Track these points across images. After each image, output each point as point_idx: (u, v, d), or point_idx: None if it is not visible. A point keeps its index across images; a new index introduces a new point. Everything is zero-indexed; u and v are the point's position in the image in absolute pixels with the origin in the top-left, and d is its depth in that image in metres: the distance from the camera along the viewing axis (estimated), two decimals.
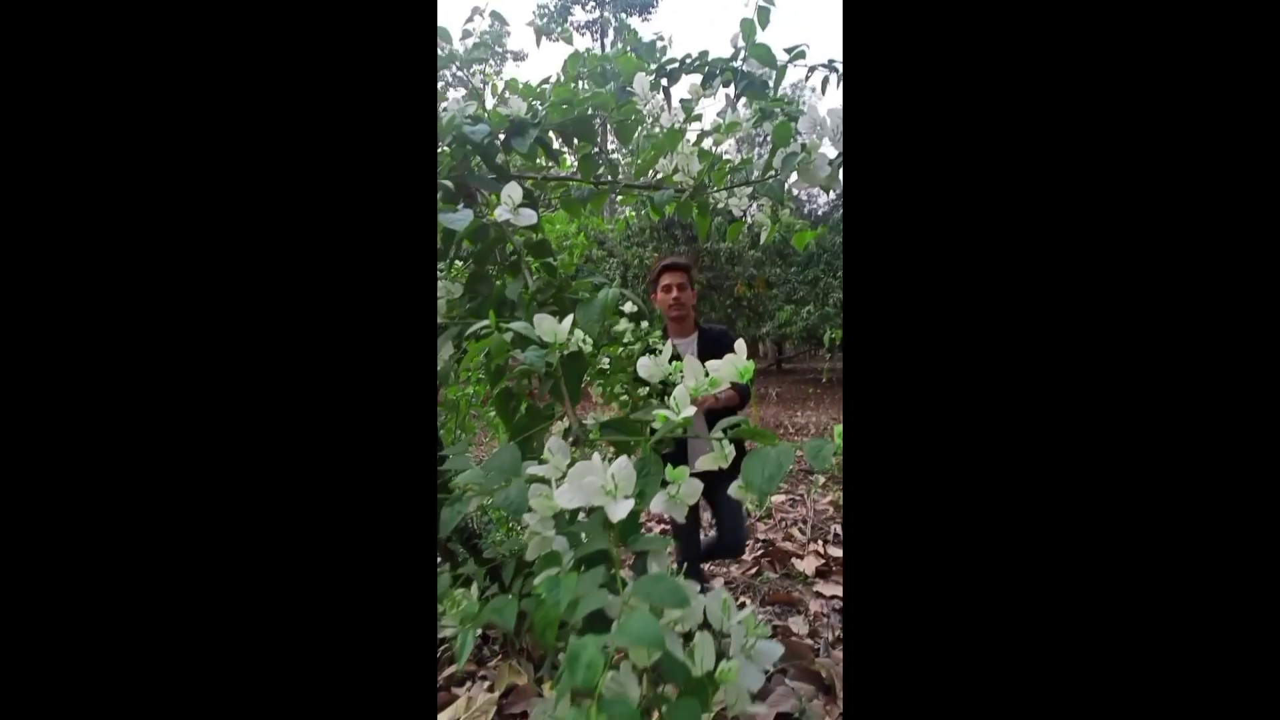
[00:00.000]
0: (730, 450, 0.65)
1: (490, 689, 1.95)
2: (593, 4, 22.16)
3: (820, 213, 15.66)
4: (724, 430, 0.64)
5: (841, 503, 3.91)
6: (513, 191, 0.77)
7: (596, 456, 0.54)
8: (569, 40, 1.51)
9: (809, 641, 2.18)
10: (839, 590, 2.59)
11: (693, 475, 0.63)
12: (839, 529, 3.39)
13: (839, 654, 2.09)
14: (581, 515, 0.63)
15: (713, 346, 2.04)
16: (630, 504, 0.51)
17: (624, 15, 21.88)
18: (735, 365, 0.59)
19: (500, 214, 0.77)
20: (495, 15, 1.50)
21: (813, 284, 10.88)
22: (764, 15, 0.98)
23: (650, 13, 22.33)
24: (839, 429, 0.53)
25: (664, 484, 0.61)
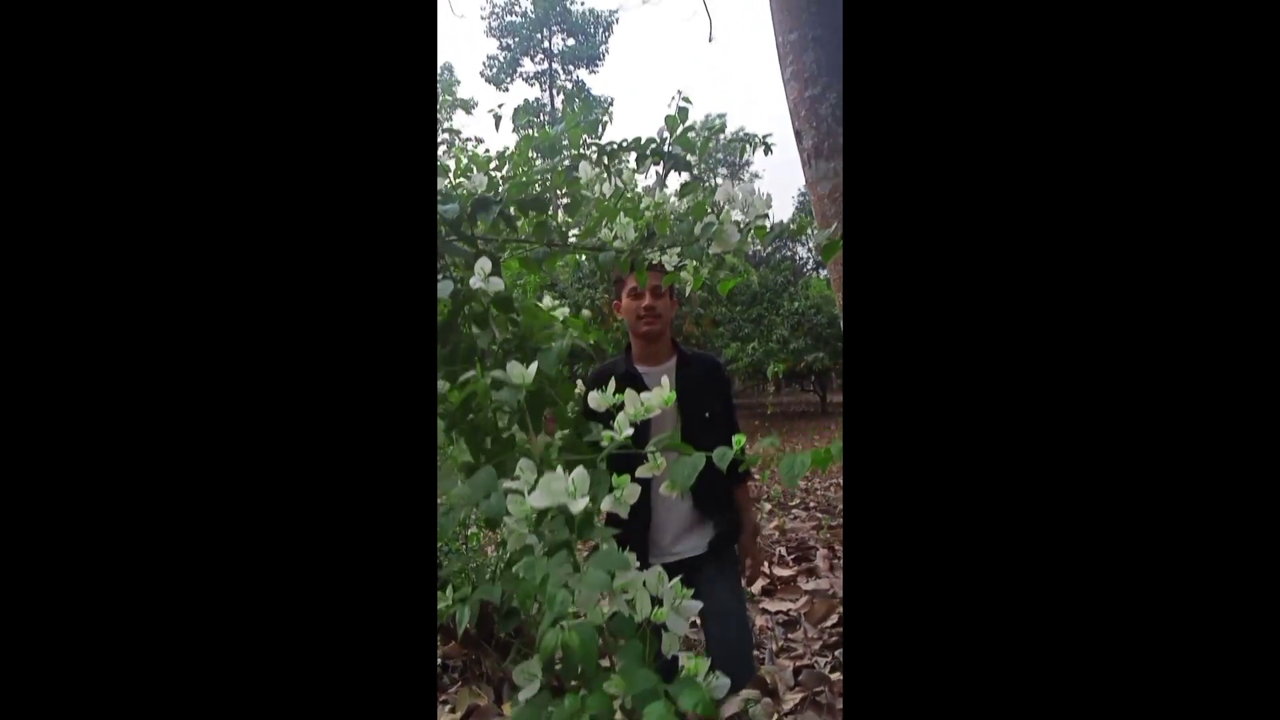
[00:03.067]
0: (661, 461, 0.84)
1: (452, 711, 2.05)
2: (541, 56, 22.64)
3: (763, 255, 16.38)
4: (655, 444, 0.83)
5: (785, 527, 4.14)
6: (484, 264, 0.96)
7: (560, 469, 0.73)
8: (497, 120, 1.62)
9: (756, 653, 2.37)
10: (782, 606, 2.80)
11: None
12: (783, 551, 3.60)
13: (783, 662, 2.28)
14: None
15: (697, 385, 1.45)
16: (585, 501, 0.69)
17: (571, 68, 22.34)
18: (662, 396, 0.79)
19: (474, 283, 0.96)
20: (445, 67, 1.68)
21: (757, 321, 11.37)
22: (684, 113, 1.22)
23: (598, 65, 22.77)
24: (803, 455, 0.62)
25: (611, 489, 0.79)
